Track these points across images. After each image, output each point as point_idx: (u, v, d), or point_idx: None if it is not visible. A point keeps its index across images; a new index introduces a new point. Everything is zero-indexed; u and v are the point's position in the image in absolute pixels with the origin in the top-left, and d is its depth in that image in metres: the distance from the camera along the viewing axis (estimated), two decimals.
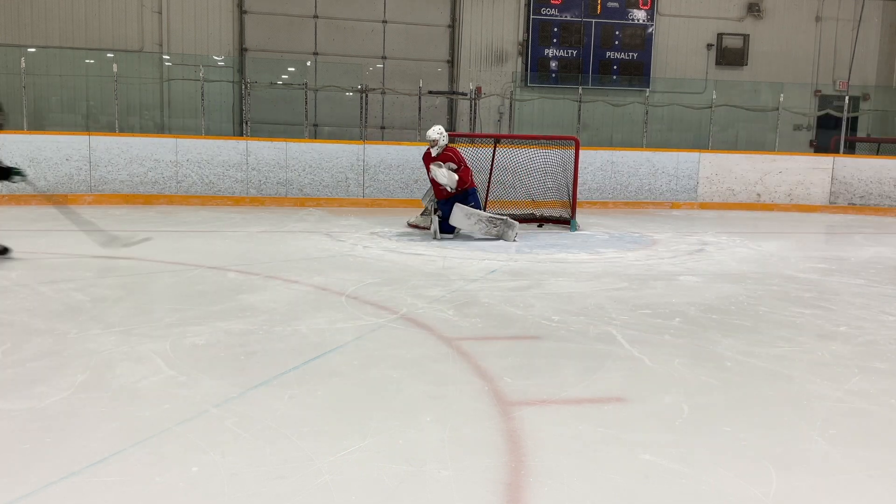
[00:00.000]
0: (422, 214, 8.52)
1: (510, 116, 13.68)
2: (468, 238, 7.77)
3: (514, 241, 7.61)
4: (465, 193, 7.82)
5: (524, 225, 8.84)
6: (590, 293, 5.21)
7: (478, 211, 7.79)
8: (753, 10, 14.50)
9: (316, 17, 13.23)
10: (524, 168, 9.13)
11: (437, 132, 7.79)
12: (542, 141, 9.53)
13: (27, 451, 2.52)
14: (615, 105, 13.22)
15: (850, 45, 14.81)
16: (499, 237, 7.72)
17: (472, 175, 7.94)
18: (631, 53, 14.09)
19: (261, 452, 2.54)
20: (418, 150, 10.91)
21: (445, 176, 7.58)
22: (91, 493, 2.26)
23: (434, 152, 7.82)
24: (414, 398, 3.10)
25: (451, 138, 11.17)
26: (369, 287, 5.19)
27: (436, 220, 7.78)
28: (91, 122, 12.07)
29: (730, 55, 14.48)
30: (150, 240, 6.65)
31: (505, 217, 7.80)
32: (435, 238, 7.68)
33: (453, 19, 13.69)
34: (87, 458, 2.46)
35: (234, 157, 10.44)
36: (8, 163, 6.35)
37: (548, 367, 3.55)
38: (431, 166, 7.71)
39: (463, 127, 13.30)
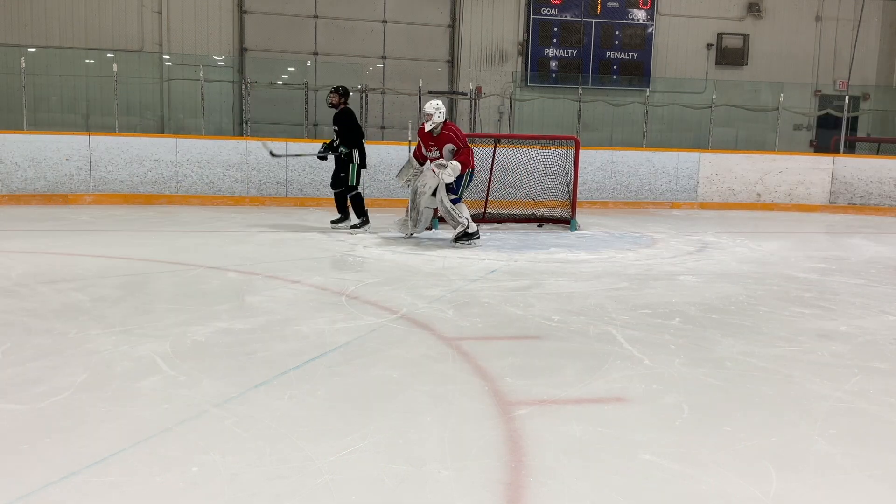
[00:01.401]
0: (406, 216, 8.35)
1: (510, 116, 13.68)
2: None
3: (453, 243, 7.24)
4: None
5: (524, 225, 8.85)
6: (590, 293, 5.22)
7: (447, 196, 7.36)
8: (753, 9, 14.50)
9: (316, 17, 13.23)
10: (524, 168, 9.12)
11: (433, 107, 7.21)
12: (542, 141, 9.52)
13: (27, 451, 2.52)
14: (615, 105, 13.22)
15: (850, 45, 14.81)
16: (415, 221, 7.50)
17: (472, 155, 7.40)
18: (631, 53, 14.09)
19: (261, 452, 2.54)
20: None
21: (451, 176, 7.13)
22: (91, 493, 2.26)
23: (428, 127, 7.24)
24: (414, 398, 3.11)
25: None
26: (369, 287, 5.19)
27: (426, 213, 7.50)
28: (91, 122, 12.07)
29: (730, 55, 14.48)
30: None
31: (462, 221, 7.28)
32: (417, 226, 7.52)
33: (453, 19, 13.69)
34: (87, 458, 2.46)
35: (234, 157, 10.44)
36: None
37: (548, 367, 3.55)
38: (436, 170, 7.20)
39: (463, 127, 13.25)
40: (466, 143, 7.36)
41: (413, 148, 7.76)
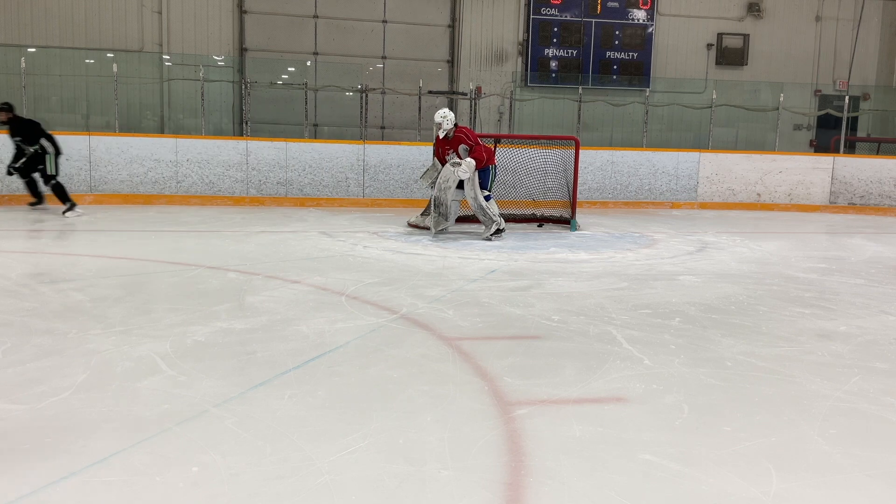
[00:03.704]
0: (422, 214, 8.53)
1: (510, 116, 13.67)
2: (469, 239, 7.77)
3: (487, 239, 7.64)
4: (479, 171, 7.78)
5: (524, 225, 8.85)
6: (590, 293, 5.22)
7: (456, 191, 7.79)
8: (753, 9, 14.50)
9: (316, 17, 13.23)
10: (524, 168, 9.13)
11: (441, 116, 7.77)
12: (542, 141, 9.53)
13: (27, 451, 2.52)
14: (615, 105, 13.22)
15: (850, 45, 14.81)
16: (443, 216, 7.81)
17: (485, 152, 7.80)
18: (631, 53, 14.09)
19: (261, 452, 2.54)
20: (418, 150, 10.93)
21: (466, 172, 7.60)
22: (91, 493, 2.26)
23: (441, 135, 7.80)
24: (414, 398, 3.11)
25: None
26: (369, 287, 5.19)
27: (452, 214, 7.87)
28: (91, 122, 12.06)
29: (730, 55, 14.48)
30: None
31: (495, 219, 7.74)
32: (438, 225, 7.81)
33: (453, 19, 13.69)
34: (87, 458, 2.46)
35: (234, 157, 10.44)
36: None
37: (548, 367, 3.55)
38: (451, 167, 7.67)
39: None
40: (478, 141, 7.82)
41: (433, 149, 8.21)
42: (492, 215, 7.75)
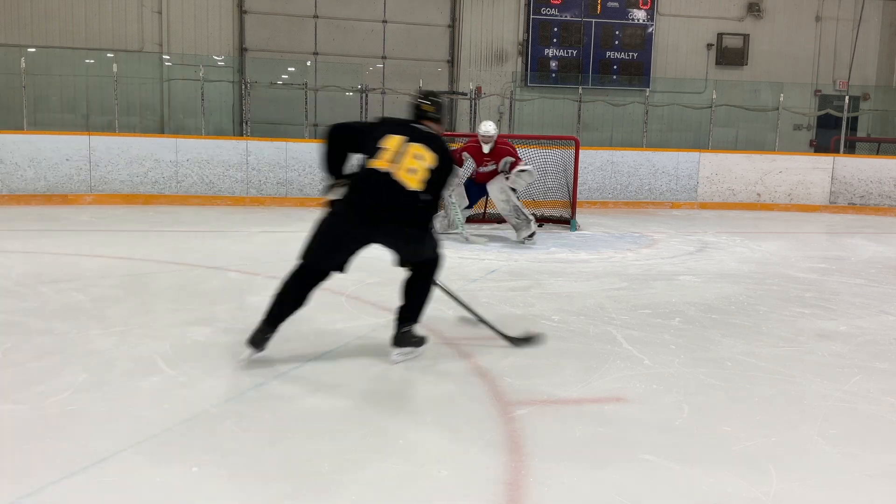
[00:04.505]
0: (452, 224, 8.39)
1: (510, 116, 13.66)
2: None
3: (524, 242, 7.46)
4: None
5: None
6: (590, 293, 5.22)
7: (513, 193, 7.61)
8: (753, 9, 14.49)
9: (316, 17, 13.23)
10: None
11: (495, 128, 7.46)
12: (543, 141, 9.52)
13: (27, 451, 2.52)
14: (615, 105, 13.21)
15: (850, 45, 14.81)
16: (516, 229, 7.60)
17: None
18: (631, 53, 14.08)
19: (261, 452, 2.54)
20: None
21: (532, 174, 7.54)
22: (91, 493, 2.26)
23: (487, 149, 7.48)
24: (414, 398, 3.11)
25: (452, 138, 11.12)
26: (369, 287, 5.19)
27: (460, 215, 7.67)
28: (91, 122, 12.06)
29: (730, 55, 14.47)
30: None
31: (530, 217, 7.59)
32: (457, 230, 7.66)
33: (453, 19, 13.68)
34: (87, 458, 2.46)
35: (234, 157, 10.43)
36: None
37: (548, 367, 3.55)
38: (514, 177, 7.47)
39: (463, 127, 13.28)
40: (518, 154, 7.70)
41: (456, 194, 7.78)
42: (528, 215, 7.56)
